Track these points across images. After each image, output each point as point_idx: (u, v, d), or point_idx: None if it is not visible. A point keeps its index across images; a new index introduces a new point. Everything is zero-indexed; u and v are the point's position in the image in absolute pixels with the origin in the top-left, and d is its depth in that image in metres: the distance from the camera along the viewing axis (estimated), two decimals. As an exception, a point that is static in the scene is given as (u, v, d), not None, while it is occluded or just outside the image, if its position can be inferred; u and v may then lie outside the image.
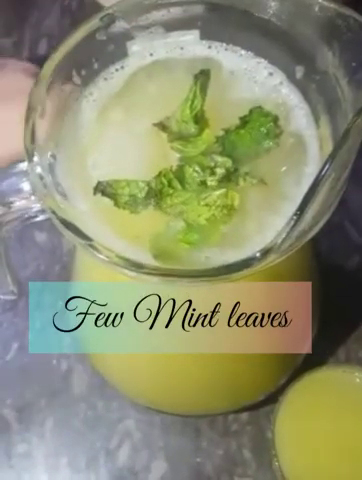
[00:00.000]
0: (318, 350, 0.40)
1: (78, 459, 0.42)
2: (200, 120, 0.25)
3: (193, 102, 0.24)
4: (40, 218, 0.28)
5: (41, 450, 0.42)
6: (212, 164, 0.25)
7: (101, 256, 0.23)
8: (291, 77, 0.27)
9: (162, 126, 0.25)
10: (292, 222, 0.21)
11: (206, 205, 0.24)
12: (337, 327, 0.43)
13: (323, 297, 0.39)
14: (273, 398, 0.38)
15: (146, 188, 0.24)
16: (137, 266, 0.22)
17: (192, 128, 0.25)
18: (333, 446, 0.33)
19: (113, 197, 0.24)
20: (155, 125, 0.25)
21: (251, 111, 0.24)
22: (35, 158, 0.24)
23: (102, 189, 0.24)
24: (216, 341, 0.32)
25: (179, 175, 0.24)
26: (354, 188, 0.47)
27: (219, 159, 0.25)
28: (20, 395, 0.44)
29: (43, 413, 0.43)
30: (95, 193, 0.24)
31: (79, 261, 0.33)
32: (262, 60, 0.27)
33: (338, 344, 0.43)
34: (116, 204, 0.24)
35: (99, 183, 0.24)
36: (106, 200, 0.25)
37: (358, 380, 0.33)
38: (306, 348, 0.38)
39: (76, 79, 0.26)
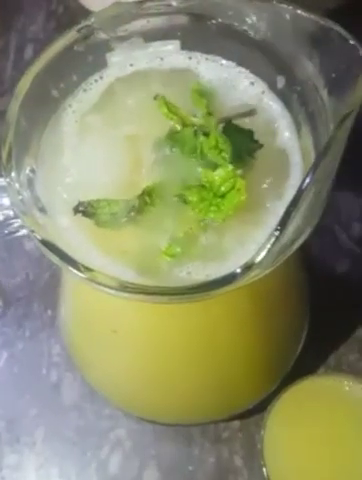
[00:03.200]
0: (308, 355, 0.40)
1: (69, 469, 0.41)
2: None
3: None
4: (22, 233, 0.27)
5: (31, 461, 0.42)
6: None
7: (81, 274, 0.22)
8: (273, 87, 0.26)
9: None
10: (273, 237, 0.21)
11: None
12: (327, 332, 0.42)
13: (313, 302, 0.39)
14: (264, 405, 0.38)
15: (127, 206, 0.23)
16: (118, 285, 0.22)
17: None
18: (322, 454, 0.32)
19: (93, 217, 0.24)
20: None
21: (225, 128, 0.24)
22: (13, 174, 0.23)
23: (82, 210, 0.23)
24: (205, 350, 0.31)
25: (160, 190, 0.24)
26: (344, 192, 0.47)
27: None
28: (10, 405, 0.43)
29: (33, 423, 0.42)
30: (75, 213, 0.24)
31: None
32: (243, 70, 0.26)
33: (328, 349, 0.43)
34: (97, 223, 0.24)
35: (79, 203, 0.24)
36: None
37: (347, 388, 0.33)
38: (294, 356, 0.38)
39: (54, 92, 0.26)
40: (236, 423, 0.41)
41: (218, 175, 0.24)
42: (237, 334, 0.31)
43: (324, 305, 0.41)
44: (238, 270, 0.21)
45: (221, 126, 0.25)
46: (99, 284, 0.22)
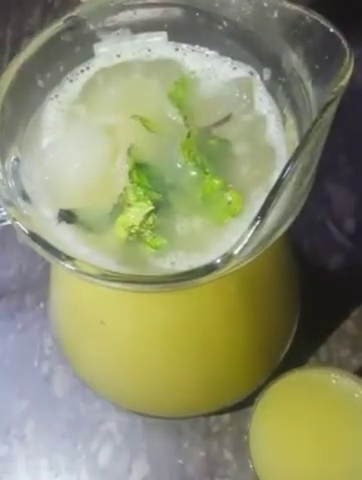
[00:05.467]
0: (299, 350, 0.40)
1: (59, 461, 0.41)
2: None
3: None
4: (8, 222, 0.27)
5: (22, 452, 0.42)
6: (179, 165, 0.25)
7: (63, 264, 0.22)
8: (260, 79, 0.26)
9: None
10: (253, 227, 0.21)
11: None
12: (319, 327, 0.42)
13: (305, 296, 0.39)
14: (255, 398, 0.38)
15: (109, 209, 0.23)
16: (99, 273, 0.22)
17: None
18: (308, 447, 0.32)
19: (78, 224, 0.24)
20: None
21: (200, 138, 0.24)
22: (-3, 163, 0.24)
23: (65, 217, 0.24)
24: (193, 342, 0.31)
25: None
26: (336, 187, 0.47)
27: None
28: (0, 397, 0.43)
29: (24, 415, 0.43)
30: (59, 222, 0.24)
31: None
32: (228, 59, 0.26)
33: (320, 344, 0.43)
34: (83, 229, 0.24)
35: (61, 212, 0.24)
36: (70, 206, 0.25)
37: (334, 381, 0.33)
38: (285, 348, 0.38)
39: (40, 83, 0.26)
40: (226, 416, 0.41)
41: (209, 185, 0.24)
42: (226, 325, 0.31)
43: (316, 300, 0.41)
44: (218, 260, 0.21)
45: (197, 135, 0.25)
46: (81, 273, 0.22)
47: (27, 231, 0.23)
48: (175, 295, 0.27)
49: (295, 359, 0.40)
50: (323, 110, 0.21)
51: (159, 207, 0.25)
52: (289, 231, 0.29)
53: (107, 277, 0.22)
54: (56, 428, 0.42)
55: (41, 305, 0.46)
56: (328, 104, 0.21)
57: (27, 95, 0.26)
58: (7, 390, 0.43)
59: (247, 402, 0.39)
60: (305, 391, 0.34)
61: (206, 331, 0.31)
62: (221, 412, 0.41)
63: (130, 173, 0.25)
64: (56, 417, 0.43)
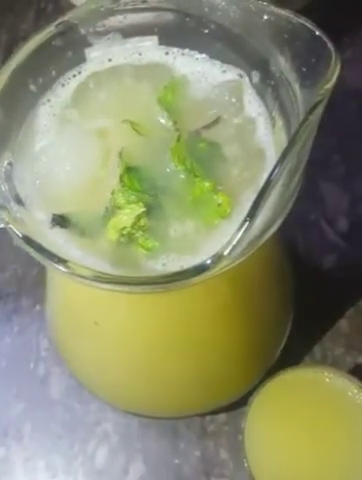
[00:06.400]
0: (294, 349, 0.41)
1: (56, 463, 0.42)
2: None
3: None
4: (2, 226, 0.27)
5: (19, 454, 0.42)
6: (169, 169, 0.25)
7: (55, 266, 0.23)
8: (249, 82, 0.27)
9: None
10: (243, 228, 0.21)
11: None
12: (313, 326, 0.43)
13: (299, 296, 0.40)
14: (249, 398, 0.38)
15: (102, 212, 0.24)
16: (92, 275, 0.22)
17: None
18: (303, 446, 0.33)
19: (71, 228, 0.24)
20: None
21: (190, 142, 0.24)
22: (-10, 167, 0.24)
23: (58, 222, 0.24)
24: (187, 342, 0.32)
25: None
26: (330, 187, 0.47)
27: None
28: (-3, 399, 0.44)
29: (21, 417, 0.43)
30: (52, 226, 0.24)
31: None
32: (217, 62, 0.27)
33: (314, 343, 0.43)
34: (77, 233, 0.24)
35: (54, 216, 0.24)
36: (63, 210, 0.25)
37: (328, 380, 0.33)
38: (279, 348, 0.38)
39: (32, 87, 0.26)
40: (222, 416, 0.42)
41: (199, 187, 0.25)
42: (219, 326, 0.32)
43: (310, 300, 0.41)
44: (209, 261, 0.22)
45: (187, 138, 0.25)
46: (74, 275, 0.23)
47: (20, 235, 0.23)
48: (168, 296, 0.28)
49: (290, 358, 0.40)
50: (310, 112, 0.21)
51: (150, 210, 0.25)
52: (280, 231, 0.29)
53: (100, 279, 0.22)
54: (53, 429, 0.43)
55: (37, 307, 0.46)
56: (315, 106, 0.21)
57: (19, 100, 0.26)
58: (4, 392, 0.44)
59: (242, 402, 0.39)
60: (299, 390, 0.34)
61: (200, 331, 0.31)
62: (216, 412, 0.41)
63: (121, 176, 0.25)
64: (53, 418, 0.43)
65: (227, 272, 0.28)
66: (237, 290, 0.30)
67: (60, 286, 0.32)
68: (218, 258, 0.22)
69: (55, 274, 0.32)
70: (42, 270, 0.47)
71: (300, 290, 0.39)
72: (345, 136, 0.47)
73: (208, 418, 0.42)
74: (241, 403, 0.40)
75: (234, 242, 0.21)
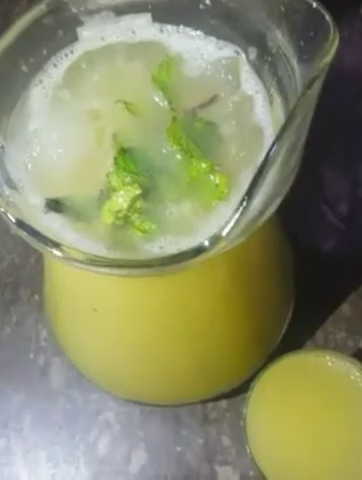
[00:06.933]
0: (295, 335, 0.40)
1: (57, 453, 0.41)
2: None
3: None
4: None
5: (20, 445, 0.42)
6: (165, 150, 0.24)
7: (49, 250, 0.22)
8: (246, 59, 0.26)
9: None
10: (241, 208, 0.21)
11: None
12: (315, 310, 0.42)
13: (300, 280, 0.39)
14: (251, 383, 0.38)
15: (96, 195, 0.23)
16: (87, 259, 0.22)
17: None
18: (304, 430, 0.32)
19: (66, 212, 0.24)
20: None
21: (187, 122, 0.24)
22: (-19, 150, 0.23)
23: (52, 207, 0.23)
24: (187, 327, 0.31)
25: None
26: (329, 170, 0.47)
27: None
28: (-3, 390, 0.43)
29: (21, 408, 0.42)
30: (46, 212, 0.24)
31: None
32: (213, 39, 0.26)
33: (316, 327, 0.42)
34: (72, 217, 0.24)
35: (47, 201, 0.24)
36: (57, 194, 0.24)
37: (330, 364, 0.33)
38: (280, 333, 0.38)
39: (24, 68, 0.26)
40: (224, 403, 0.41)
41: (195, 168, 0.24)
42: (219, 311, 0.31)
43: (311, 284, 0.41)
44: (206, 242, 0.21)
45: (183, 118, 0.25)
46: (69, 259, 0.22)
47: (14, 219, 0.22)
48: (166, 280, 0.27)
49: (291, 344, 0.39)
50: (308, 86, 0.20)
51: (146, 192, 0.24)
52: (279, 214, 0.29)
53: (95, 262, 0.22)
54: (53, 420, 0.42)
55: (36, 297, 0.46)
56: (313, 80, 0.20)
57: (11, 81, 0.25)
58: (3, 383, 0.43)
59: (243, 388, 0.39)
60: (301, 374, 0.34)
61: (199, 317, 0.31)
62: (218, 399, 0.41)
63: (116, 158, 0.24)
64: (53, 409, 0.42)
65: (226, 255, 0.27)
66: (236, 274, 0.30)
67: (57, 273, 0.32)
68: (216, 239, 0.21)
69: (52, 261, 0.32)
70: (40, 260, 0.46)
71: (301, 275, 0.39)
72: (344, 119, 0.47)
73: (210, 405, 0.42)
74: (242, 390, 0.39)
75: (232, 223, 0.21)
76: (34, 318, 0.45)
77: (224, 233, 0.21)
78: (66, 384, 0.43)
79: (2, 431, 0.42)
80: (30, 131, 0.25)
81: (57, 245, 0.22)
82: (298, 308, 0.40)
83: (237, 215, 0.21)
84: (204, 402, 0.41)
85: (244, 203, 0.21)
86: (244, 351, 0.35)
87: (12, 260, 0.47)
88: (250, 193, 0.20)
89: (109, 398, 0.42)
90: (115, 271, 0.22)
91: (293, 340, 0.40)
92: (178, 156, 0.25)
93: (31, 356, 0.44)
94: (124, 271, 0.22)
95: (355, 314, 0.43)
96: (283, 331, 0.39)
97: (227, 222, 0.21)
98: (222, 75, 0.25)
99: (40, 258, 0.46)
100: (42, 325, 0.44)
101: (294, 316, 0.40)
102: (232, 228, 0.21)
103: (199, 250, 0.21)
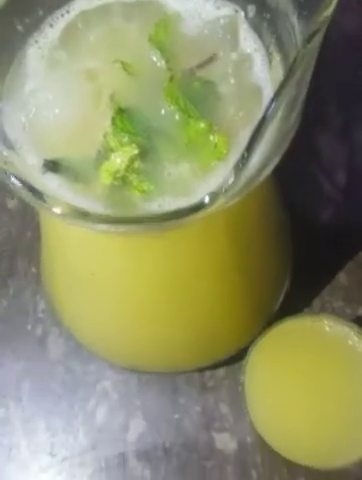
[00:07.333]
0: (293, 303, 0.40)
1: (56, 422, 0.42)
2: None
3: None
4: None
5: (19, 415, 0.42)
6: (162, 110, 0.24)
7: (51, 208, 0.22)
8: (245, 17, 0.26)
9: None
10: (239, 165, 0.21)
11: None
12: (311, 280, 0.43)
13: (297, 250, 0.39)
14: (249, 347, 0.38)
15: (94, 155, 0.23)
16: (86, 215, 0.22)
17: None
18: (303, 394, 0.33)
19: (64, 173, 0.24)
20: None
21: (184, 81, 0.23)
22: (-22, 110, 0.23)
23: (50, 167, 0.23)
24: (184, 292, 0.31)
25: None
26: (326, 139, 0.47)
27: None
28: (-5, 361, 0.43)
29: (19, 378, 0.43)
30: (44, 172, 0.23)
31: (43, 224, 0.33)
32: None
33: (313, 296, 0.43)
34: (69, 178, 0.24)
35: (45, 162, 0.23)
36: (54, 155, 0.24)
37: (328, 328, 0.33)
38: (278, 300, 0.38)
39: (19, 28, 0.25)
40: (221, 371, 0.42)
41: (193, 128, 0.24)
42: (217, 275, 0.31)
43: (308, 253, 0.41)
44: (206, 198, 0.21)
45: (180, 77, 0.24)
46: (67, 216, 0.22)
47: (11, 175, 0.22)
48: (164, 242, 0.27)
49: (289, 312, 0.40)
50: (308, 40, 0.20)
51: (144, 152, 0.24)
52: (277, 179, 0.29)
53: (92, 219, 0.22)
54: (52, 389, 0.42)
55: (33, 270, 0.46)
56: (313, 34, 0.20)
57: (7, 41, 0.25)
58: (2, 354, 0.43)
59: (241, 356, 0.39)
60: (299, 339, 0.34)
61: (198, 280, 0.31)
62: (216, 367, 0.41)
63: (113, 118, 0.24)
64: (51, 379, 0.43)
65: (224, 216, 0.27)
66: (235, 238, 0.30)
67: (55, 239, 0.32)
68: (215, 195, 0.21)
69: (49, 226, 0.32)
70: (36, 233, 0.46)
71: (298, 244, 0.39)
72: (342, 86, 0.46)
73: (207, 373, 0.42)
74: (239, 358, 0.40)
75: (232, 179, 0.21)
76: (31, 290, 0.45)
77: (224, 189, 0.21)
78: (64, 355, 0.43)
79: (1, 401, 0.42)
80: (26, 92, 0.25)
81: (56, 202, 0.22)
82: (295, 277, 0.40)
83: (236, 171, 0.21)
84: (202, 370, 0.41)
85: (244, 158, 0.20)
86: (242, 317, 0.35)
87: (9, 233, 0.47)
88: (250, 148, 0.20)
89: (107, 368, 0.42)
90: (114, 228, 0.22)
91: (290, 309, 0.40)
92: (176, 116, 0.24)
93: (29, 327, 0.44)
94: (123, 228, 0.22)
95: (352, 283, 0.43)
96: (280, 299, 0.39)
97: (227, 177, 0.21)
98: (220, 34, 0.25)
99: (36, 231, 0.46)
100: (40, 297, 0.44)
101: (291, 285, 0.40)
102: (231, 184, 0.21)
103: (199, 206, 0.21)
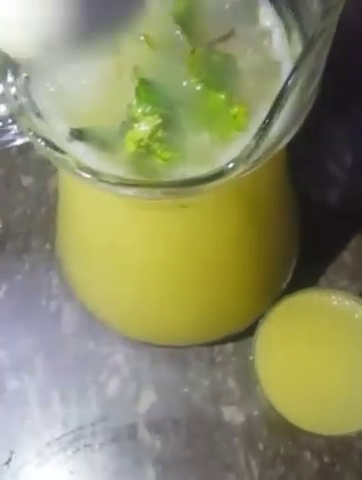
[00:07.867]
0: (299, 281, 0.41)
1: (69, 393, 0.43)
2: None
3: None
4: (18, 142, 0.28)
5: (33, 387, 0.43)
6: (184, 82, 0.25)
7: (80, 172, 0.23)
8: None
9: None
10: (260, 134, 0.22)
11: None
12: (318, 260, 0.44)
13: (304, 230, 0.40)
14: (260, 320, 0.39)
15: (118, 126, 0.24)
16: (112, 179, 0.23)
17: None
18: (312, 367, 0.34)
19: (89, 141, 0.25)
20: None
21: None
22: (9, 78, 0.24)
23: (76, 135, 0.24)
24: (197, 267, 0.32)
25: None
26: (333, 121, 0.48)
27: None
28: (10, 335, 0.45)
29: (33, 352, 0.44)
30: (70, 141, 0.25)
31: (63, 195, 0.34)
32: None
33: (319, 275, 0.44)
34: (95, 147, 0.25)
35: (71, 130, 0.24)
36: (80, 124, 0.25)
37: (335, 302, 0.34)
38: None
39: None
40: (230, 347, 0.43)
41: (214, 100, 0.25)
42: (232, 248, 0.32)
43: (315, 234, 0.42)
44: (230, 164, 0.22)
45: (201, 51, 0.25)
46: (97, 180, 0.23)
47: (42, 139, 0.23)
48: (183, 214, 0.28)
49: (295, 290, 0.41)
50: (326, 13, 0.21)
51: (166, 123, 0.25)
52: (288, 152, 0.30)
53: (122, 183, 0.23)
54: (65, 362, 0.44)
55: (47, 246, 0.47)
56: (332, 8, 0.21)
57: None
58: (16, 328, 0.45)
59: (249, 332, 0.40)
60: (307, 313, 0.35)
61: (213, 253, 0.32)
62: (224, 342, 0.42)
63: (137, 89, 0.25)
64: (65, 352, 0.44)
65: (240, 190, 0.28)
66: (248, 212, 0.31)
67: (74, 211, 0.33)
68: (238, 161, 0.22)
69: (69, 199, 0.33)
70: (50, 209, 0.47)
71: (305, 224, 0.40)
72: (349, 68, 0.47)
73: (216, 349, 0.43)
74: (248, 334, 0.41)
75: (253, 145, 0.22)
76: (46, 266, 0.46)
77: (245, 155, 0.22)
78: (77, 329, 0.44)
79: (16, 374, 0.43)
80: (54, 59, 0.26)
81: (84, 167, 0.23)
82: (301, 258, 0.41)
83: (258, 138, 0.22)
84: (211, 345, 0.43)
85: (265, 125, 0.22)
86: (252, 292, 0.37)
87: (23, 210, 0.48)
88: (271, 115, 0.21)
89: (119, 342, 0.43)
90: (139, 193, 0.23)
91: (296, 288, 0.41)
92: (197, 88, 0.25)
93: (43, 302, 0.45)
94: (147, 193, 0.23)
95: (358, 263, 0.44)
96: (288, 278, 0.40)
97: (248, 145, 0.22)
98: (240, 9, 0.26)
99: (51, 208, 0.47)
100: (54, 272, 0.45)
101: (298, 265, 0.41)
102: (252, 150, 0.22)
103: (222, 172, 0.22)
